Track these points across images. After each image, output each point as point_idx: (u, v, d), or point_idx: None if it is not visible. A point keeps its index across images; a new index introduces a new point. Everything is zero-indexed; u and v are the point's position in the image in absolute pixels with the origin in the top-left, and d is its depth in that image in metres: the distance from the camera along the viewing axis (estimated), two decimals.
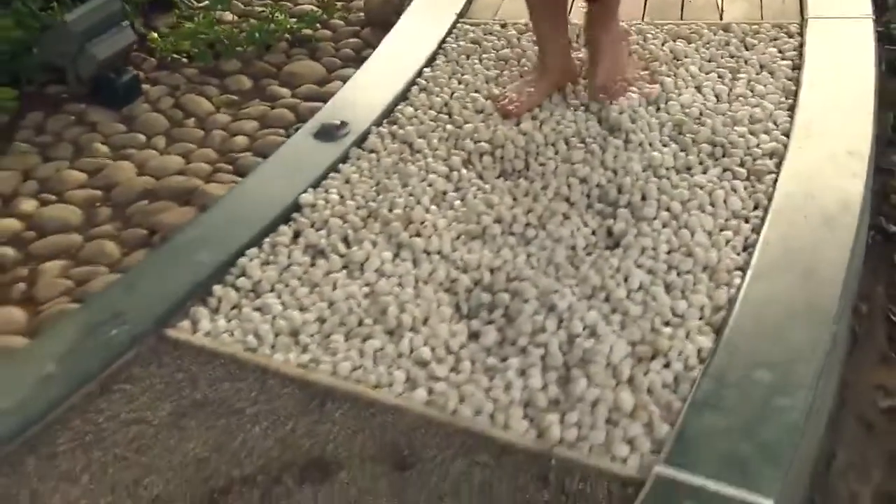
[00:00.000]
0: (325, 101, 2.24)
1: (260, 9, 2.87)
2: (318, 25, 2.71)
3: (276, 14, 2.68)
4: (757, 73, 2.09)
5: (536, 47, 2.14)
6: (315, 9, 2.79)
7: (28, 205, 2.07)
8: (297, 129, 2.09)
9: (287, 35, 2.68)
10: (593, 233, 1.71)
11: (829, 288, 1.43)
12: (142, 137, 2.33)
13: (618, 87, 1.99)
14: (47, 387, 1.43)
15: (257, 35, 2.59)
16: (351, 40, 2.72)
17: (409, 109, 2.12)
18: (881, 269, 1.66)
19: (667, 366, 1.40)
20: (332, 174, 1.93)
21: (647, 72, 2.10)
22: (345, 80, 2.35)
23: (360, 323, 1.57)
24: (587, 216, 1.75)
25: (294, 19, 2.70)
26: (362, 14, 2.80)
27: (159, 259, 1.71)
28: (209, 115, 2.42)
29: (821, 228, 1.57)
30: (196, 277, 1.65)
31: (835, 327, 1.38)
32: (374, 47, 2.46)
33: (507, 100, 2.04)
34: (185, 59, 2.64)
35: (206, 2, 2.72)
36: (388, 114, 2.11)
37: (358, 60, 2.55)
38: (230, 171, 2.14)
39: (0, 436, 1.34)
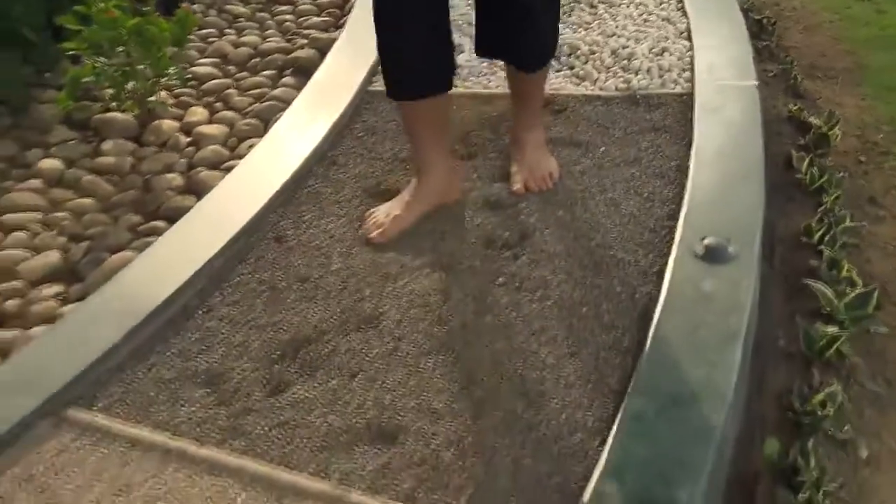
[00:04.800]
0: None
1: None
2: None
3: None
4: None
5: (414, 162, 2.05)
6: None
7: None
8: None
9: None
10: (587, 13, 2.88)
11: (736, 20, 2.73)
12: (214, 30, 3.18)
13: (538, 182, 2.03)
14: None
15: None
16: None
17: None
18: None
19: (671, 54, 2.61)
20: None
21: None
22: None
23: None
24: (579, 5, 2.92)
25: None
26: None
27: (335, 64, 2.65)
28: (253, 14, 3.31)
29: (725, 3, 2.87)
30: (367, 66, 2.62)
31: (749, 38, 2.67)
32: None
33: (372, 223, 1.92)
34: None
35: None
36: None
37: None
38: (305, 38, 3.06)
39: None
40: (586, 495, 1.31)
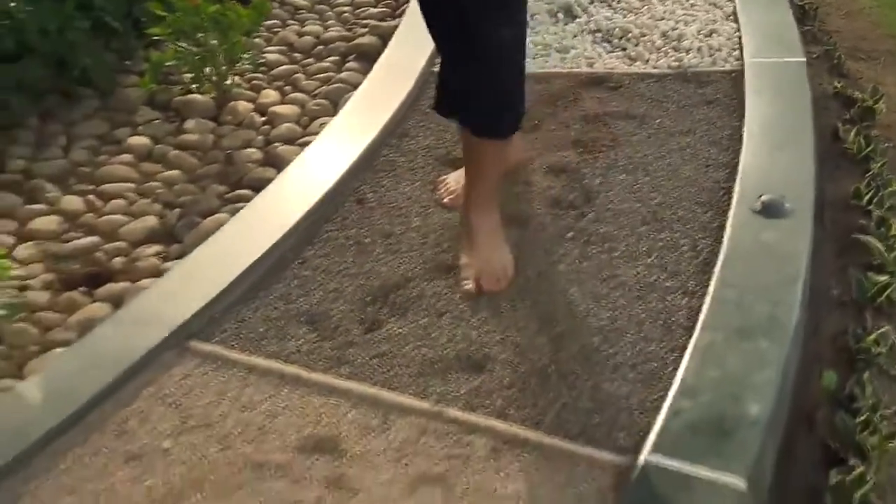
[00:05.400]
0: None
1: None
2: None
3: None
4: None
5: None
6: None
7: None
8: None
9: None
10: None
11: (781, 2, 2.88)
12: (278, 21, 3.37)
13: (490, 282, 1.82)
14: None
15: None
16: None
17: None
18: None
19: (720, 35, 2.76)
20: None
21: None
22: None
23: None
24: None
25: None
26: None
27: (398, 49, 2.82)
28: (313, 6, 3.49)
29: None
30: (429, 50, 2.78)
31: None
32: None
33: (444, 189, 2.09)
34: None
35: None
36: None
37: None
38: (364, 27, 3.24)
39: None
40: (663, 411, 1.46)
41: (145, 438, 1.46)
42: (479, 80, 1.72)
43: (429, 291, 1.79)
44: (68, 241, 2.14)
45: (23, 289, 1.95)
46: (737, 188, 2.00)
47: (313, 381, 1.56)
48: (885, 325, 1.79)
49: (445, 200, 2.09)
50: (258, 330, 1.71)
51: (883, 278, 1.87)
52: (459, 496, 1.35)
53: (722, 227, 1.90)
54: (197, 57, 2.65)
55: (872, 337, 1.73)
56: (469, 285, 1.80)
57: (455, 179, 2.12)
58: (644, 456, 1.37)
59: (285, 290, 1.82)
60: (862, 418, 1.56)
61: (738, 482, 1.31)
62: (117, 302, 1.93)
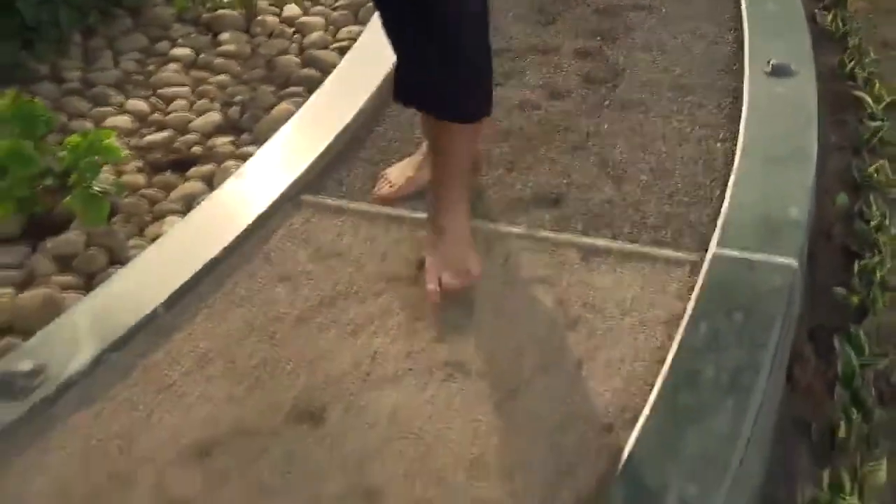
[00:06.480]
0: None
1: None
2: None
3: None
4: None
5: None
6: None
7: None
8: None
9: None
10: None
11: None
12: None
13: (459, 280, 1.63)
14: None
15: None
16: None
17: None
18: None
19: None
20: None
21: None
22: None
23: None
24: None
25: None
26: None
27: None
28: None
29: None
30: None
31: None
32: None
33: (383, 181, 1.92)
34: None
35: None
36: None
37: None
38: None
39: None
40: (719, 222, 1.78)
41: (289, 264, 1.72)
42: (439, 54, 1.54)
43: (495, 152, 2.08)
44: (143, 136, 2.36)
45: (119, 174, 2.17)
46: (746, 58, 2.33)
47: (418, 219, 1.83)
48: (880, 161, 2.14)
49: (384, 192, 1.90)
50: (356, 186, 1.97)
51: (875, 124, 2.21)
52: (565, 289, 1.65)
53: (739, 89, 2.22)
54: None
55: (873, 167, 2.08)
56: (431, 286, 1.60)
57: (397, 172, 1.94)
58: (712, 251, 1.69)
59: (369, 156, 2.08)
60: (874, 223, 1.90)
61: (792, 262, 1.64)
62: (209, 181, 2.17)
